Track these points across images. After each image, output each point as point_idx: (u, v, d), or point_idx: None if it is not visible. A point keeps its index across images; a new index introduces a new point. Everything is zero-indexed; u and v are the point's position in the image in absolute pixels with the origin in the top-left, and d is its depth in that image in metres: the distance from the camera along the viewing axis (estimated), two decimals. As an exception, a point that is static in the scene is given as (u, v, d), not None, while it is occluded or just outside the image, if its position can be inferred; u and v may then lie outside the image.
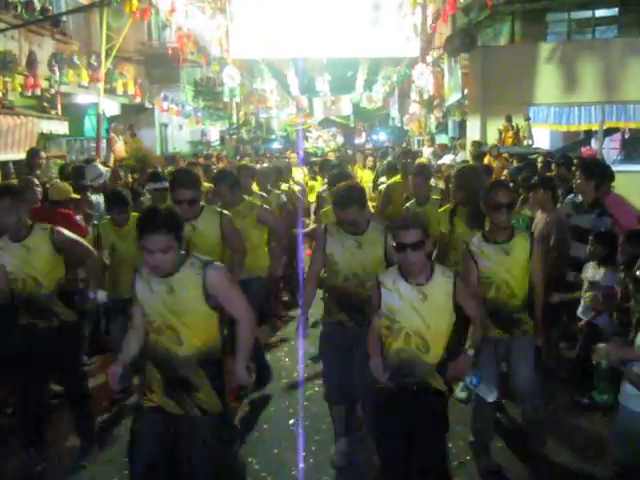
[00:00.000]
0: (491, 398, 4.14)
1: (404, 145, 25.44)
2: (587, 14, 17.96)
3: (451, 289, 3.65)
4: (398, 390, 3.68)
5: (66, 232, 4.78)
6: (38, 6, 13.67)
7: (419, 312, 3.61)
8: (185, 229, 4.41)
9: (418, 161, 9.48)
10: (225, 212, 5.03)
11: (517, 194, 7.01)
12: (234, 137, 27.40)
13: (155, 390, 3.60)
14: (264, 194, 7.21)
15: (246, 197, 5.99)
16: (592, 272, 5.72)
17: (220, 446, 3.72)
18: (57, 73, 12.78)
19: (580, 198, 6.44)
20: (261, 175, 7.71)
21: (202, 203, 5.04)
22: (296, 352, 7.00)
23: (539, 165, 9.49)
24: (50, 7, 14.43)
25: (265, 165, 8.94)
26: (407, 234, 3.54)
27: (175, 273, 3.47)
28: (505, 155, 11.13)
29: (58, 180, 7.49)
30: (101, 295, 5.41)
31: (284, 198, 7.96)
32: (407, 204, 6.76)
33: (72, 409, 5.07)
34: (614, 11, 17.66)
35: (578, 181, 6.31)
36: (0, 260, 4.56)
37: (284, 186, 8.62)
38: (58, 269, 4.72)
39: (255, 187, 7.29)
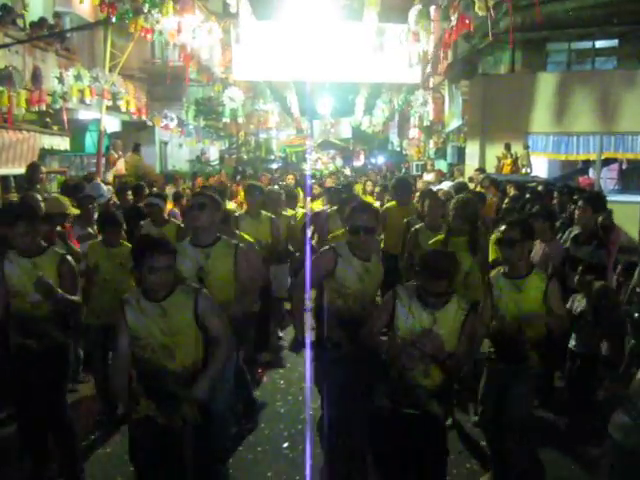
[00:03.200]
0: None
1: (403, 170, 25.54)
2: (587, 45, 18.16)
3: None
4: None
5: (73, 266, 4.69)
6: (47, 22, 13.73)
7: None
8: (199, 256, 4.43)
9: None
10: (241, 245, 4.70)
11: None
12: (233, 157, 27.45)
13: (142, 403, 3.75)
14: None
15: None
16: (577, 303, 5.74)
17: (201, 456, 3.83)
18: (65, 88, 12.79)
19: (577, 229, 6.47)
20: (272, 198, 7.65)
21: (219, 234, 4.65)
22: (292, 374, 7.01)
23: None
24: (56, 22, 14.46)
25: (276, 187, 8.90)
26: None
27: (168, 297, 3.69)
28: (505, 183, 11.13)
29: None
30: None
31: (292, 222, 7.91)
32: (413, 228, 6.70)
33: (56, 445, 4.76)
34: (614, 42, 17.83)
35: (581, 213, 6.33)
36: (8, 273, 4.48)
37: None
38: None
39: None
